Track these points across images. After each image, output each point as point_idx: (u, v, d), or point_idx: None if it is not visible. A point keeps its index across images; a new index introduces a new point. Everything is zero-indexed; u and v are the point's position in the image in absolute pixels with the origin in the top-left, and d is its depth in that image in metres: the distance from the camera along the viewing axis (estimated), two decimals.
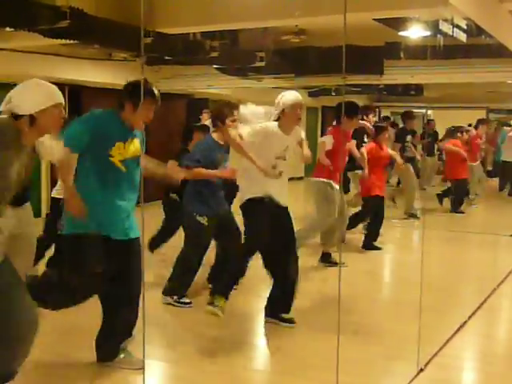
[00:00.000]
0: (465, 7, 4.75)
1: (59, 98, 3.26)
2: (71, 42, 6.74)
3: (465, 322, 4.88)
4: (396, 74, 10.00)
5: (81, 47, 7.89)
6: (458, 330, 4.72)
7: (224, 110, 5.32)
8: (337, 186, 6.50)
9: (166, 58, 8.54)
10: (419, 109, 21.05)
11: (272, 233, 4.62)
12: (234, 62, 9.24)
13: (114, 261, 3.76)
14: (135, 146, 3.93)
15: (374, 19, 7.35)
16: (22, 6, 5.69)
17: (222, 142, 5.36)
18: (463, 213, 10.67)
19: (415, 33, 7.57)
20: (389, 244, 8.07)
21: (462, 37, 5.81)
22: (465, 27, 5.64)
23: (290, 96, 4.76)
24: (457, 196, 10.80)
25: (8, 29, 6.12)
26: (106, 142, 3.79)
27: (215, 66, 9.87)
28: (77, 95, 10.30)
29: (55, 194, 5.70)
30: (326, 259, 6.90)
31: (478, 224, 10.50)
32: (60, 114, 3.24)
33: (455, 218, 10.37)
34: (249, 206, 4.68)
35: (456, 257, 7.66)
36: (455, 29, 5.61)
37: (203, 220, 5.24)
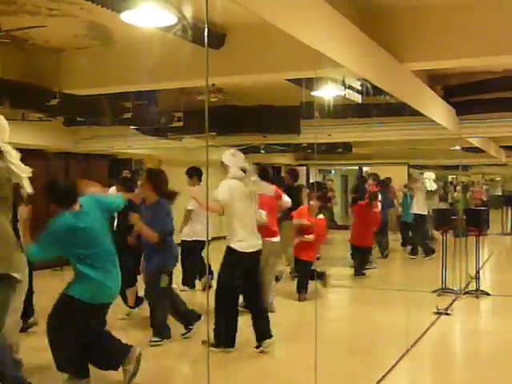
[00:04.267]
0: (361, 69, 4.81)
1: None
2: None
3: None
4: (313, 133, 10.10)
5: None
6: None
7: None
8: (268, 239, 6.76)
9: (79, 119, 8.39)
10: (349, 166, 21.60)
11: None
12: (150, 122, 9.16)
13: None
14: None
15: (288, 80, 7.46)
16: None
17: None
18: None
19: (327, 92, 7.65)
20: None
21: (357, 98, 5.92)
22: (359, 88, 5.75)
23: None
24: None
25: None
26: None
27: (133, 127, 9.76)
28: None
29: None
30: None
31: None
32: None
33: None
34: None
35: (367, 316, 7.61)
36: (349, 90, 5.71)
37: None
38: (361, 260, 10.67)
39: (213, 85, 8.63)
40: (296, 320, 7.17)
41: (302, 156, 17.61)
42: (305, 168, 20.51)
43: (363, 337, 6.56)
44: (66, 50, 6.65)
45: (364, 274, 10.42)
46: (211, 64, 5.98)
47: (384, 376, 5.00)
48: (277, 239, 7.14)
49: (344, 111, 9.27)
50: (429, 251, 12.47)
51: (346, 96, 7.23)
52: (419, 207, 12.83)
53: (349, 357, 5.85)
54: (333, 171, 23.67)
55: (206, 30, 4.19)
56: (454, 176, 21.54)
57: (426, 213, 12.77)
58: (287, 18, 3.53)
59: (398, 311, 7.33)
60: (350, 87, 7.08)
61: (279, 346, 5.92)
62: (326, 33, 4.16)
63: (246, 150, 15.05)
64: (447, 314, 7.39)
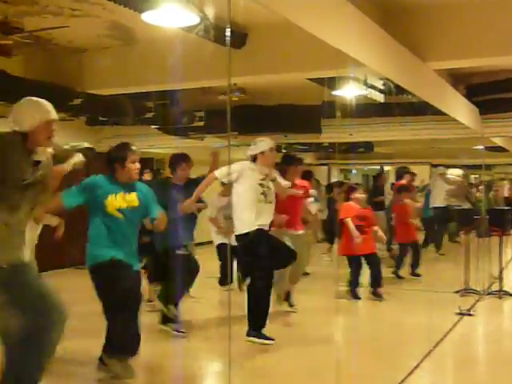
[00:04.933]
0: (383, 68, 4.79)
1: (50, 115, 3.65)
2: None
3: None
4: (335, 133, 10.09)
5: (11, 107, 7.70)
6: None
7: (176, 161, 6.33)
8: (292, 231, 6.91)
9: (101, 118, 8.45)
10: (370, 165, 21.50)
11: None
12: (171, 122, 9.20)
13: None
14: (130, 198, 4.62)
15: (309, 79, 7.46)
16: None
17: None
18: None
19: (349, 92, 7.63)
20: None
21: (379, 97, 5.90)
22: (382, 87, 5.72)
23: (268, 141, 5.90)
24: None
25: None
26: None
27: (154, 127, 9.81)
28: None
29: None
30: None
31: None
32: (50, 129, 3.63)
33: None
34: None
35: (390, 316, 7.57)
36: (371, 89, 5.69)
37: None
38: (414, 258, 10.06)
39: (234, 84, 8.66)
40: (319, 319, 7.13)
41: (323, 155, 17.55)
42: (326, 167, 20.47)
43: (385, 337, 6.51)
44: (89, 50, 6.72)
45: (419, 275, 9.96)
46: (233, 64, 6.03)
47: (406, 377, 4.96)
48: (300, 232, 7.15)
49: (366, 110, 9.25)
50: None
51: (368, 95, 7.22)
52: (439, 200, 12.72)
53: (370, 357, 5.81)
54: (354, 171, 23.57)
55: (230, 29, 4.19)
56: (477, 175, 21.31)
57: (445, 205, 12.65)
58: (309, 18, 3.53)
59: (421, 312, 7.27)
60: (373, 86, 7.05)
61: (301, 346, 5.91)
62: (347, 32, 4.14)
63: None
64: (470, 315, 7.32)
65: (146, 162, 12.44)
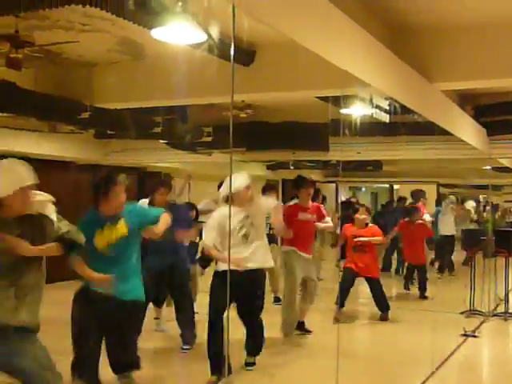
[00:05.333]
0: (389, 88, 4.80)
1: (25, 181, 3.44)
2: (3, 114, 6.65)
3: None
4: (342, 151, 10.10)
5: (20, 119, 7.79)
6: None
7: (154, 186, 6.25)
8: (304, 254, 6.90)
9: (109, 132, 8.51)
10: (379, 183, 21.50)
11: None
12: (179, 137, 9.24)
13: None
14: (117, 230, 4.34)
15: (317, 97, 7.49)
16: None
17: None
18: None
19: (356, 110, 7.64)
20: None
21: (385, 117, 5.91)
22: (387, 107, 5.74)
23: (243, 179, 5.40)
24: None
25: None
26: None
27: (162, 141, 9.85)
28: None
29: None
30: (300, 327, 7.24)
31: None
32: (27, 196, 3.44)
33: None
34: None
35: (392, 335, 7.53)
36: (376, 109, 5.70)
37: None
38: (420, 280, 10.15)
39: (242, 101, 8.70)
40: (318, 337, 7.11)
41: (331, 173, 17.56)
42: (334, 185, 20.49)
43: (387, 356, 6.49)
44: (99, 65, 6.77)
45: (426, 298, 9.98)
46: (241, 81, 6.03)
47: None
48: (311, 256, 7.19)
49: (372, 129, 9.25)
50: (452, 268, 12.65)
51: (374, 115, 7.22)
52: (448, 228, 12.76)
53: (371, 376, 5.80)
54: (363, 188, 23.53)
55: (234, 47, 4.23)
56: (485, 195, 21.30)
57: (453, 233, 12.71)
58: (314, 38, 3.55)
59: (424, 332, 7.25)
60: (378, 106, 7.06)
61: (300, 363, 5.90)
62: (353, 52, 4.16)
63: (275, 166, 15.20)
64: (474, 337, 7.28)
65: (154, 176, 12.52)
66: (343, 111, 7.68)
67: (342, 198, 20.87)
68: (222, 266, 5.19)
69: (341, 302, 7.91)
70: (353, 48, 4.14)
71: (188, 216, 6.92)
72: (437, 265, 13.06)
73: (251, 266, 5.28)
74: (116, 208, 4.36)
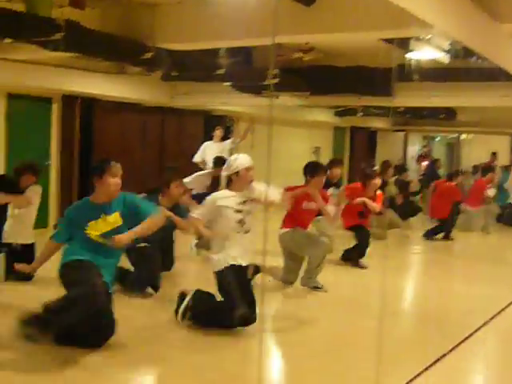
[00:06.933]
0: (456, 31, 4.62)
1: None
2: (69, 54, 6.76)
3: (444, 355, 4.66)
4: (410, 97, 9.85)
5: (88, 60, 7.91)
6: (435, 362, 4.51)
7: (170, 177, 6.47)
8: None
9: (175, 74, 8.55)
10: (452, 133, 20.81)
11: None
12: (244, 79, 9.20)
13: None
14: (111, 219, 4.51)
15: (382, 40, 7.29)
16: (20, 17, 5.74)
17: (168, 206, 6.28)
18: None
19: (425, 54, 7.40)
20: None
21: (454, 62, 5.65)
22: (457, 51, 5.52)
23: (243, 159, 5.12)
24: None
25: (7, 40, 6.15)
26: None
27: (227, 84, 9.83)
28: (89, 108, 10.40)
29: None
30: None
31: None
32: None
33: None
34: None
35: (446, 284, 7.45)
36: (446, 53, 5.48)
37: None
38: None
39: (306, 43, 8.57)
40: (367, 284, 7.09)
41: (400, 121, 17.16)
42: (402, 134, 20.01)
43: (440, 305, 6.42)
44: (162, 5, 6.76)
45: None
46: (301, 21, 5.96)
47: (457, 345, 4.91)
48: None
49: (443, 74, 8.97)
50: None
51: (444, 59, 6.98)
52: None
53: (420, 323, 5.78)
54: (437, 138, 22.68)
55: None
56: None
57: None
58: None
59: (480, 283, 7.16)
60: (447, 50, 6.81)
61: (343, 310, 5.93)
62: None
63: (343, 112, 14.97)
64: None
65: (218, 119, 12.58)
66: (410, 55, 7.48)
67: (412, 148, 20.41)
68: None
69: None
70: None
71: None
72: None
73: (243, 263, 5.04)
74: (111, 191, 4.50)
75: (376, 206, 8.02)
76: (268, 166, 4.34)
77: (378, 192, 8.19)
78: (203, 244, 7.55)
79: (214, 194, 5.22)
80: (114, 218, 4.53)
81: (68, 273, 4.42)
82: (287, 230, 6.65)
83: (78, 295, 4.09)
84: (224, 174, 5.29)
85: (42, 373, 4.03)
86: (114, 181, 4.51)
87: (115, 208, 4.55)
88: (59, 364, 4.12)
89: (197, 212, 5.21)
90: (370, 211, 8.08)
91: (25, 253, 6.34)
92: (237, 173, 5.06)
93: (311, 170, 6.62)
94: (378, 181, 8.14)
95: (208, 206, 5.10)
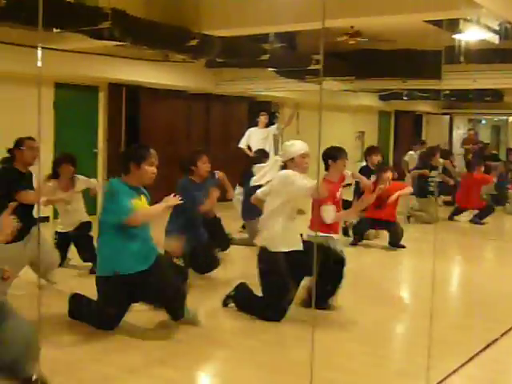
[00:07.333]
0: (503, 10, 4.52)
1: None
2: (116, 42, 6.82)
3: (496, 340, 4.61)
4: (456, 79, 9.68)
5: (133, 48, 7.98)
6: (487, 347, 4.46)
7: (196, 155, 6.22)
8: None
9: (219, 60, 8.57)
10: (499, 115, 20.38)
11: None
12: (288, 64, 9.17)
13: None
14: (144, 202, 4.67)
15: (426, 21, 7.17)
16: (67, 7, 5.82)
17: (198, 181, 6.19)
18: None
19: (472, 35, 7.25)
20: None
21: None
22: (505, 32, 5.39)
23: (299, 145, 5.01)
24: None
25: (55, 30, 6.24)
26: None
27: (271, 69, 9.82)
28: (135, 96, 10.52)
29: None
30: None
31: None
32: None
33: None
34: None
35: (500, 270, 7.34)
36: (495, 33, 5.36)
37: None
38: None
39: (351, 27, 8.48)
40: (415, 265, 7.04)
41: (445, 104, 16.89)
42: (448, 117, 19.70)
43: (490, 289, 6.33)
44: None
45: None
46: (349, 5, 5.90)
47: (508, 330, 4.84)
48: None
49: (489, 56, 8.78)
50: None
51: (493, 39, 6.83)
52: None
53: (470, 307, 5.72)
54: (483, 121, 22.28)
55: None
56: None
57: None
58: None
59: None
60: (494, 30, 6.66)
61: (393, 295, 5.91)
62: None
63: (388, 96, 14.81)
64: None
65: (263, 105, 12.58)
66: (458, 36, 7.33)
67: (458, 132, 20.07)
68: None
69: None
70: None
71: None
72: None
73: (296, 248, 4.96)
74: (146, 179, 4.60)
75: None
76: (318, 152, 4.35)
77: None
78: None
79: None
80: (145, 201, 4.69)
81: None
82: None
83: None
84: (279, 159, 5.18)
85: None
86: (151, 169, 4.59)
87: (142, 193, 4.71)
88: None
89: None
90: (385, 203, 8.00)
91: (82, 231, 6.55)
92: (292, 159, 4.94)
93: (333, 154, 5.79)
94: (389, 174, 8.10)
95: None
